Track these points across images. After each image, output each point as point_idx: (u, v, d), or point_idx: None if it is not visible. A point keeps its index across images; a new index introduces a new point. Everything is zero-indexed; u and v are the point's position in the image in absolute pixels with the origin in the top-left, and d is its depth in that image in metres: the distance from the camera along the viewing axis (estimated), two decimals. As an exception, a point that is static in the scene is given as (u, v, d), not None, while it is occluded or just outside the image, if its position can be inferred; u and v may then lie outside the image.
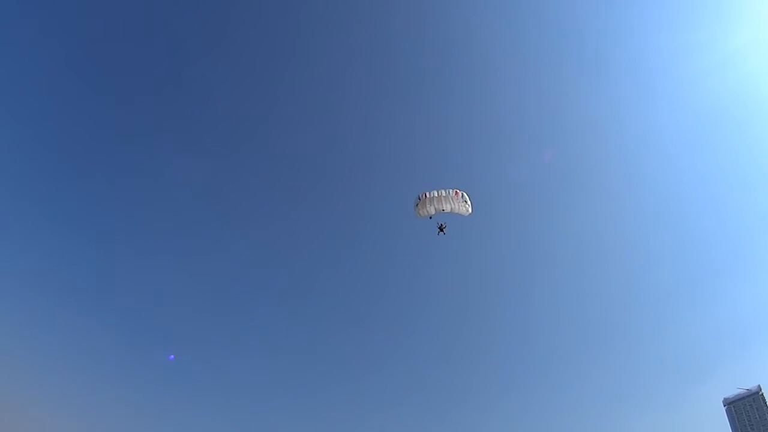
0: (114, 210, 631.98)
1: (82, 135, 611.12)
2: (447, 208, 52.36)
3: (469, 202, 53.38)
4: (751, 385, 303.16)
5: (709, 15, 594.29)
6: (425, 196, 52.35)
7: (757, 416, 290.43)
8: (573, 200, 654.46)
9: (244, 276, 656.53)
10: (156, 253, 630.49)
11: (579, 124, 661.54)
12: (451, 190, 52.51)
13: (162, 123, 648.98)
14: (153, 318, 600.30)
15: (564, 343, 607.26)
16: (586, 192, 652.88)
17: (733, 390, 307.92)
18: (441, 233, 56.45)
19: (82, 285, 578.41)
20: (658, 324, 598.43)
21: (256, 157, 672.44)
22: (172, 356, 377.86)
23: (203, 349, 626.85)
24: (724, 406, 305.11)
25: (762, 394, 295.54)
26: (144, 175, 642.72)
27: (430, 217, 54.99)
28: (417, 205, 53.07)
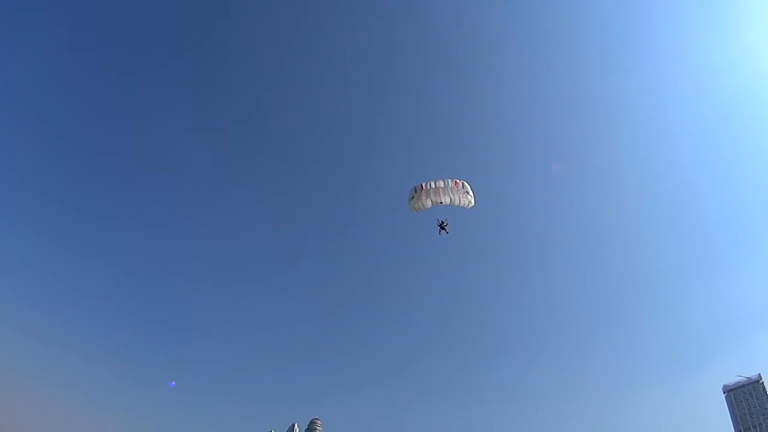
0: (117, 187, 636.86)
1: (85, 113, 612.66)
2: (446, 200, 46.14)
3: (471, 193, 47.20)
4: (751, 374, 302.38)
5: (716, 17, 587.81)
6: (421, 187, 46.16)
7: (757, 404, 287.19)
8: (575, 187, 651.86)
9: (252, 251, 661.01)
10: (163, 228, 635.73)
11: (585, 112, 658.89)
12: (450, 180, 46.29)
13: (166, 100, 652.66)
14: (160, 294, 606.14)
15: (561, 327, 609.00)
16: (588, 180, 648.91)
17: (733, 378, 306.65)
18: (443, 232, 50.42)
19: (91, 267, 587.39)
20: (655, 309, 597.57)
21: (260, 133, 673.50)
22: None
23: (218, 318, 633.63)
24: (724, 393, 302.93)
25: (762, 383, 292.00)
26: (146, 153, 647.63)
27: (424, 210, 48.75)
28: (412, 198, 46.74)
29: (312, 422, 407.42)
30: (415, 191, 46.70)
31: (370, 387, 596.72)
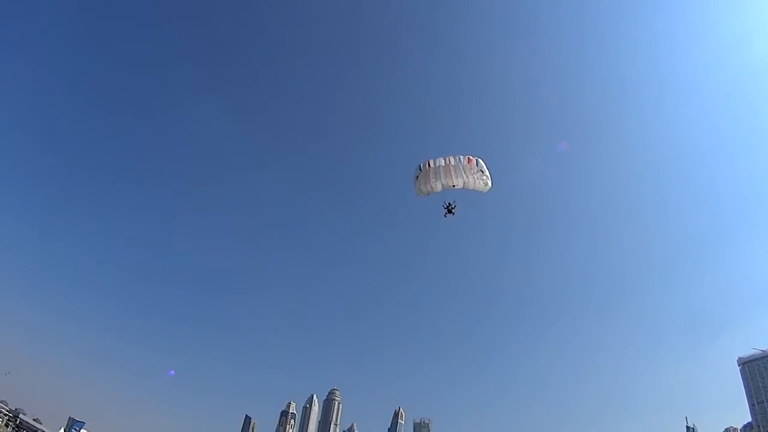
0: (127, 152, 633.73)
1: (92, 84, 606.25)
2: (458, 182, 38.18)
3: (487, 173, 39.34)
4: (766, 347, 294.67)
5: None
6: (428, 165, 37.84)
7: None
8: (588, 155, 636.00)
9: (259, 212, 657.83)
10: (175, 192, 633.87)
11: (599, 84, 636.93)
12: (462, 158, 38.09)
13: (171, 69, 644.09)
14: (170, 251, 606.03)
15: (575, 296, 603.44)
16: (601, 147, 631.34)
17: (749, 350, 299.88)
18: (449, 215, 42.18)
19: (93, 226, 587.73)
20: (669, 281, 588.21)
21: (267, 99, 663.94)
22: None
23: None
24: (739, 365, 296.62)
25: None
26: (155, 121, 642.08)
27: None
28: (417, 177, 38.70)
29: (331, 392, 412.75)
30: (420, 170, 38.60)
31: (384, 353, 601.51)
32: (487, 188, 39.73)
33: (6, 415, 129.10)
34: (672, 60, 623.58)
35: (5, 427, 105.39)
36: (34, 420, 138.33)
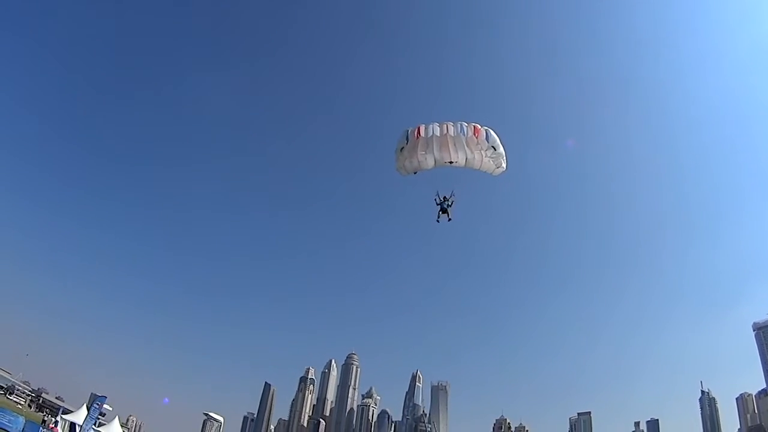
0: (132, 128, 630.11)
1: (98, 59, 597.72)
2: (458, 158, 26.79)
3: (500, 150, 27.40)
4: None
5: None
6: (418, 134, 26.30)
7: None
8: (603, 114, 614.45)
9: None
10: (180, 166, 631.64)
11: (610, 33, 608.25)
12: (466, 126, 26.52)
13: (175, 41, 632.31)
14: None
15: (590, 257, 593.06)
16: (616, 106, 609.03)
17: (764, 316, 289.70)
18: (443, 216, 30.03)
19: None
20: (686, 243, 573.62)
21: (274, 70, 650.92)
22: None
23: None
24: (754, 330, 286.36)
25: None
26: (160, 94, 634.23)
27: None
28: (402, 149, 27.25)
29: (349, 357, 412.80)
30: (407, 139, 26.83)
31: (401, 318, 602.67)
32: (500, 170, 27.95)
33: (29, 395, 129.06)
34: (691, 20, 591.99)
35: (29, 407, 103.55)
36: (56, 398, 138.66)
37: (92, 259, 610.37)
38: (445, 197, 29.64)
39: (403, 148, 27.15)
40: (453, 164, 27.20)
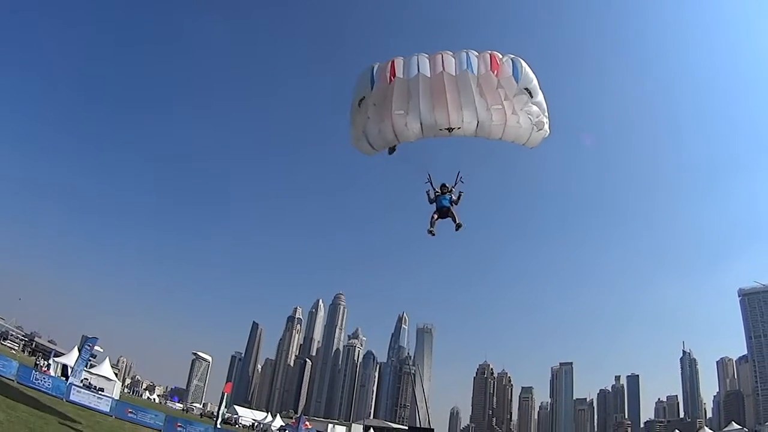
0: (133, 75, 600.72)
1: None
2: (467, 119, 13.14)
3: (538, 95, 13.86)
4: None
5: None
6: (392, 72, 12.59)
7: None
8: (603, 66, 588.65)
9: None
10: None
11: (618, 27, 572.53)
12: (474, 58, 13.01)
13: None
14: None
15: (578, 209, 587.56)
16: (616, 58, 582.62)
17: (750, 282, 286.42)
18: (438, 222, 15.25)
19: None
20: (674, 203, 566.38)
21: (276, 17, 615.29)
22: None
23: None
24: (739, 296, 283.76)
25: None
26: (163, 38, 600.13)
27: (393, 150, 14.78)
28: (361, 103, 13.42)
29: (336, 297, 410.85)
30: (372, 83, 13.22)
31: (388, 259, 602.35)
32: (542, 135, 14.59)
33: (23, 339, 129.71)
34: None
35: (22, 352, 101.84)
36: (49, 341, 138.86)
37: (78, 200, 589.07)
38: (444, 186, 15.84)
39: (363, 99, 13.61)
40: (456, 132, 13.96)
